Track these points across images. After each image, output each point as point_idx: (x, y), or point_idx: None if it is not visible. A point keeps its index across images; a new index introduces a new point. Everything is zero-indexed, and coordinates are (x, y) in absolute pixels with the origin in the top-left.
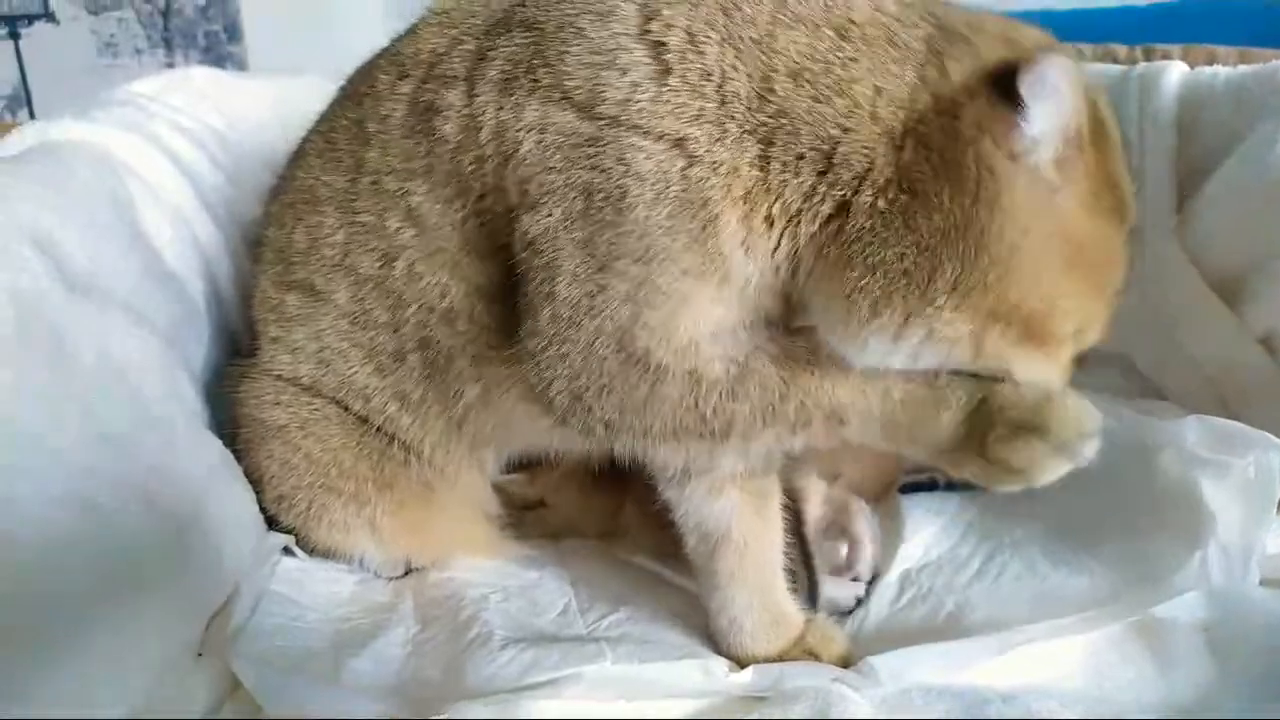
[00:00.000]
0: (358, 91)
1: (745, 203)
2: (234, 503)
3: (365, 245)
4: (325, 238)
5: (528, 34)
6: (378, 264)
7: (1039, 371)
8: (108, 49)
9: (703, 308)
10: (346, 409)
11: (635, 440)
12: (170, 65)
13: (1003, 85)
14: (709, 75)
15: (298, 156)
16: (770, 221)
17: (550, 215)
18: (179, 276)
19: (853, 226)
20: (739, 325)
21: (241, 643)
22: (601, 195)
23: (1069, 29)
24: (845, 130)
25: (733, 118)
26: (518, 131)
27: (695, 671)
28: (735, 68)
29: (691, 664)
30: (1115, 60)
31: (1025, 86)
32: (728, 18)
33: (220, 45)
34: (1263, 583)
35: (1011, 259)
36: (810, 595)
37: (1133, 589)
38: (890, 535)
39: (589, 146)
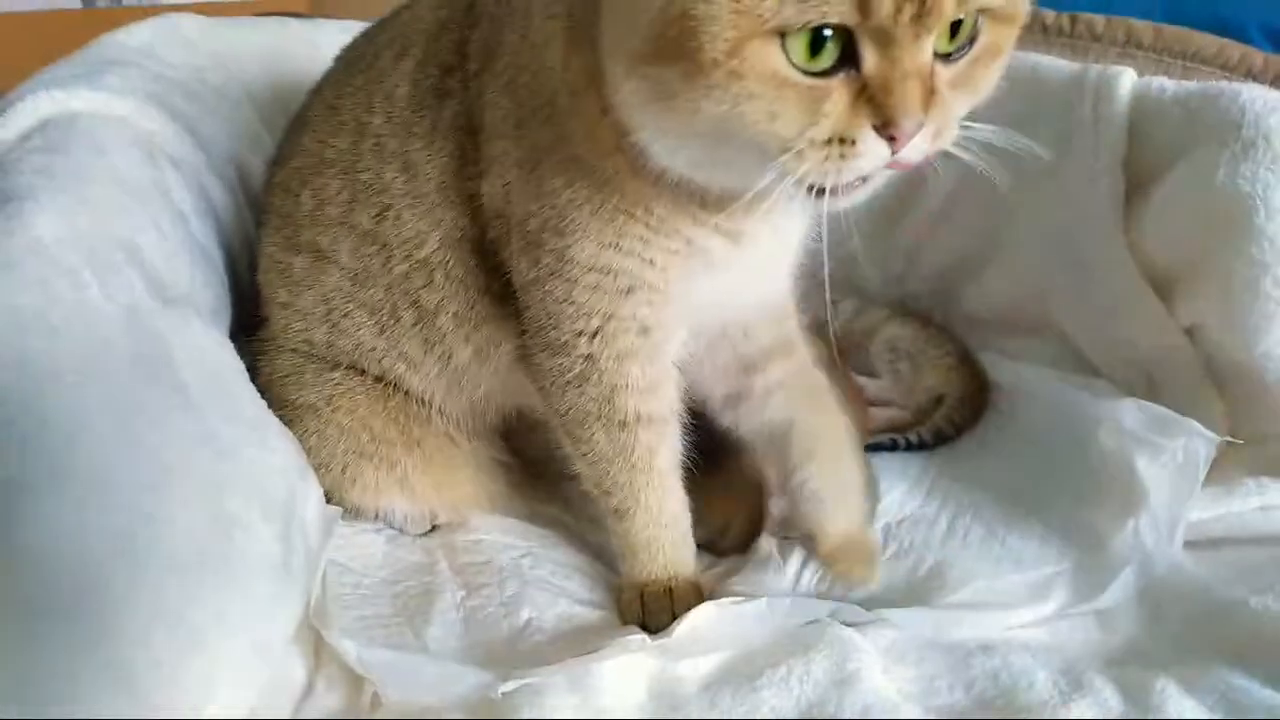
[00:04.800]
0: (363, 59)
1: None
2: (312, 493)
3: (366, 200)
4: (331, 198)
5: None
6: (374, 216)
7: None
8: None
9: None
10: (364, 373)
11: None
12: None
13: None
14: None
15: (302, 125)
16: None
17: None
18: (207, 250)
19: None
20: None
21: (328, 619)
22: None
23: None
24: None
25: None
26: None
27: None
28: None
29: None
30: (1044, 26)
31: None
32: None
33: None
34: (1185, 546)
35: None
36: None
37: (1085, 556)
38: (869, 489)
39: None
